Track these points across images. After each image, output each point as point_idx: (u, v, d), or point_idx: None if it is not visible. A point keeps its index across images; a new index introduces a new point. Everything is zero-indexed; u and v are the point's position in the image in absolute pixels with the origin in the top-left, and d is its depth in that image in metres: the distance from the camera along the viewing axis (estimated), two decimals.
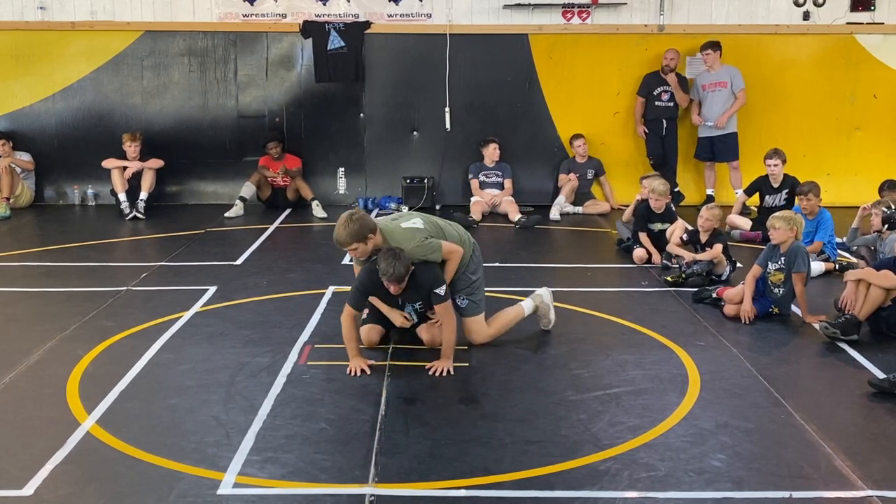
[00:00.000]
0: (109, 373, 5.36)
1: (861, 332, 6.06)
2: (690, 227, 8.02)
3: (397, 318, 5.79)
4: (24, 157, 10.85)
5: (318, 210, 10.58)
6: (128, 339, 6.02)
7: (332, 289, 7.26)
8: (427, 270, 5.55)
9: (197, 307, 6.74)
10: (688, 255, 7.70)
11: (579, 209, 10.81)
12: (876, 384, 5.20)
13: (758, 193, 9.61)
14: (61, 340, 5.98)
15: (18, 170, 10.75)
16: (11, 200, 10.58)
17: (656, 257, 8.19)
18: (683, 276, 7.51)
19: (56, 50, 11.00)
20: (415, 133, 11.34)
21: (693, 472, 4.20)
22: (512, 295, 7.19)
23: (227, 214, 10.43)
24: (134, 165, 10.54)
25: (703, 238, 7.72)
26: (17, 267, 8.09)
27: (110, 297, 6.99)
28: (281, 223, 10.19)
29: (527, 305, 6.15)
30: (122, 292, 7.16)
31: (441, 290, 5.48)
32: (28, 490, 3.95)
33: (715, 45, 10.75)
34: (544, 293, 6.24)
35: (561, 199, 10.76)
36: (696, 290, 7.21)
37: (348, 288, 7.32)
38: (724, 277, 7.56)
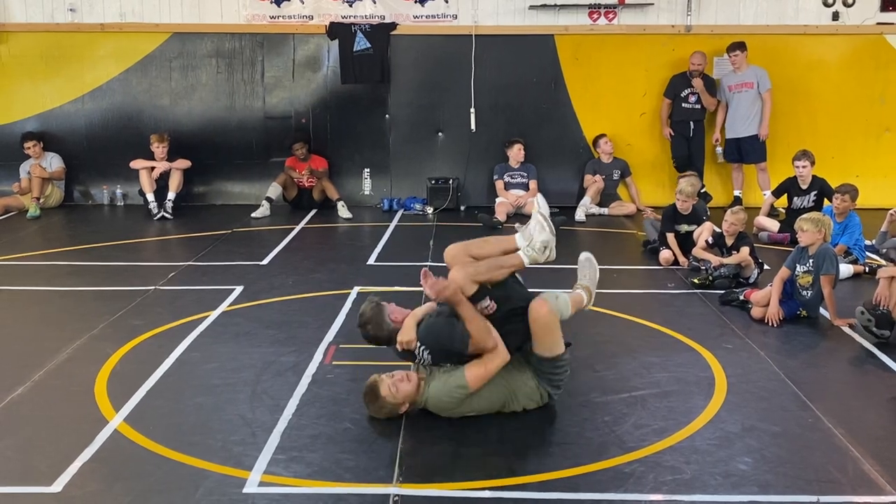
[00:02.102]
0: (137, 371, 5.41)
1: (893, 332, 5.97)
2: (718, 230, 7.96)
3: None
4: (56, 163, 10.97)
5: (343, 211, 10.62)
6: (155, 338, 6.07)
7: (356, 289, 7.28)
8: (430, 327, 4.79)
9: (223, 307, 6.79)
10: (714, 259, 7.64)
11: (605, 210, 10.77)
12: None
13: (786, 195, 9.53)
14: (90, 339, 6.04)
15: (49, 170, 10.87)
16: (41, 200, 10.71)
17: (682, 260, 8.14)
18: (710, 278, 7.46)
19: (85, 52, 11.12)
20: (440, 134, 11.35)
21: (719, 476, 4.17)
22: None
23: (253, 215, 10.49)
24: (162, 166, 10.63)
25: (729, 242, 7.66)
26: (47, 266, 8.18)
27: (138, 297, 7.05)
28: (307, 224, 10.23)
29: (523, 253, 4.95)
30: (150, 292, 7.23)
31: (460, 346, 4.66)
32: (56, 487, 4.00)
33: (742, 46, 10.67)
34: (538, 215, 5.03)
35: (586, 200, 10.73)
36: (723, 292, 7.16)
37: (375, 288, 7.39)
38: (751, 280, 7.50)
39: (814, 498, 3.95)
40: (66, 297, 7.21)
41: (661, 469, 4.23)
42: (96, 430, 4.56)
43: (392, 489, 3.99)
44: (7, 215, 10.59)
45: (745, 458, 4.36)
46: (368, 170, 11.39)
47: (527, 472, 4.17)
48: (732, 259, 7.54)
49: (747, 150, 10.82)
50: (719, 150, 10.98)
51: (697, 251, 7.88)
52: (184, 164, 10.74)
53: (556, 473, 4.18)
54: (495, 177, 10.91)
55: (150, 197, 10.52)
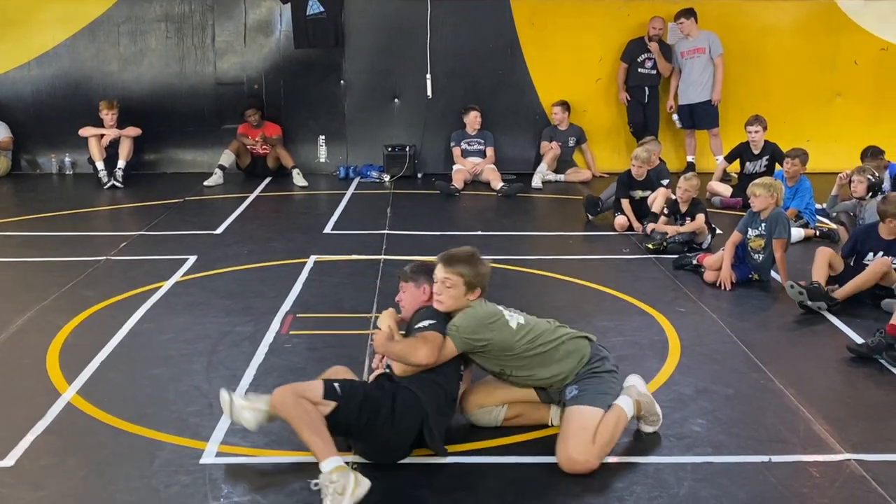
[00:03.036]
0: (90, 343, 5.33)
1: (832, 303, 6.06)
2: (673, 196, 8.03)
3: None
4: (1, 132, 10.70)
5: (298, 178, 10.52)
6: (108, 309, 5.98)
7: (313, 258, 7.24)
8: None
9: (177, 277, 6.70)
10: (671, 230, 7.70)
11: (561, 177, 10.80)
12: (854, 349, 5.25)
13: (738, 160, 9.65)
14: (40, 311, 5.93)
15: None
16: None
17: (637, 225, 8.21)
18: (664, 244, 7.54)
19: (31, 16, 10.80)
20: (396, 100, 11.26)
21: (673, 437, 4.24)
22: (494, 263, 7.19)
23: (206, 183, 10.35)
24: (111, 133, 10.42)
25: (683, 208, 7.73)
26: None
27: (89, 267, 6.93)
28: (261, 192, 10.12)
29: (624, 403, 4.16)
30: (102, 262, 7.11)
31: (421, 325, 4.08)
32: (9, 461, 3.94)
33: (688, 13, 10.71)
34: (636, 381, 4.36)
35: (543, 167, 10.74)
36: (676, 257, 7.24)
37: (330, 257, 7.35)
38: (704, 246, 7.59)
39: (766, 458, 4.03)
40: (15, 268, 7.06)
41: None
42: (49, 403, 4.49)
43: (351, 457, 3.99)
44: None
45: (699, 419, 4.44)
46: (323, 137, 11.27)
47: (484, 438, 4.19)
48: (687, 227, 7.62)
49: (700, 116, 10.91)
50: (675, 116, 11.05)
51: (659, 226, 7.84)
52: (134, 131, 10.53)
53: (512, 438, 4.21)
54: (452, 144, 10.88)
55: (100, 165, 10.31)
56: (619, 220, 8.32)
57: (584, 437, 3.88)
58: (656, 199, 8.33)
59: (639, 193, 8.45)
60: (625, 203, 8.39)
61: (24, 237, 7.98)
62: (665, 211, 7.92)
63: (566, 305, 6.23)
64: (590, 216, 8.65)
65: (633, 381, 4.33)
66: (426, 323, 4.06)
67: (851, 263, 6.37)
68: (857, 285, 6.06)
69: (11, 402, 4.57)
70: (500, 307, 4.23)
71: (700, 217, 7.59)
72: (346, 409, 3.75)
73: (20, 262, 7.20)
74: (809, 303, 5.96)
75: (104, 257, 7.23)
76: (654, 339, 5.56)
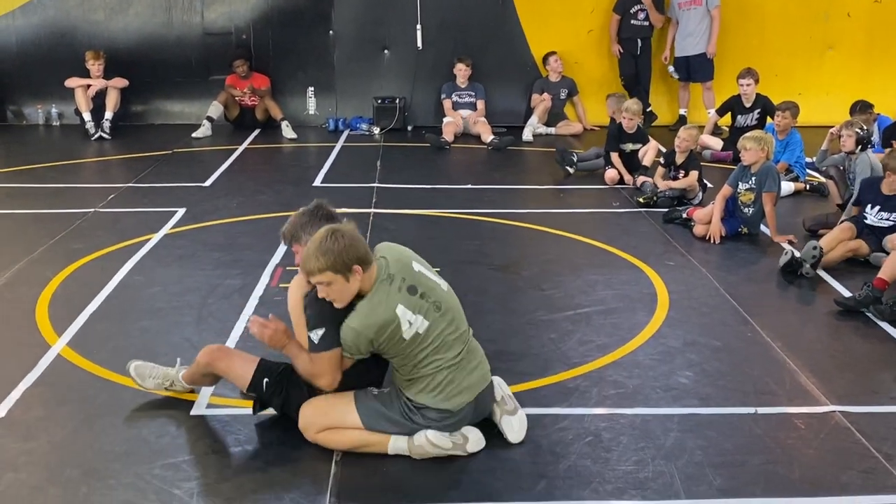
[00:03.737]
0: (79, 295, 5.32)
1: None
2: (664, 149, 8.00)
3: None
4: None
5: (287, 131, 10.43)
6: (97, 262, 5.96)
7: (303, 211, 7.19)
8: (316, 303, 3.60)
9: (166, 229, 6.67)
10: (662, 184, 7.67)
11: (552, 130, 10.74)
12: (842, 303, 5.29)
13: (730, 113, 9.60)
14: (29, 263, 5.91)
15: None
16: None
17: (627, 178, 8.19)
18: (655, 198, 7.53)
19: None
20: (386, 52, 11.13)
21: (660, 389, 4.28)
22: (484, 217, 7.20)
23: (194, 135, 10.25)
24: (98, 84, 10.28)
25: (680, 159, 7.69)
26: None
27: (77, 219, 6.89)
28: (250, 144, 10.04)
29: (395, 443, 3.68)
30: (90, 214, 7.07)
31: (315, 336, 3.58)
32: (0, 412, 3.95)
33: None
34: (426, 440, 3.65)
35: (534, 119, 10.68)
36: (666, 210, 7.24)
37: None
38: (695, 202, 7.58)
39: (752, 409, 4.08)
40: (3, 221, 7.01)
41: (604, 383, 4.33)
42: (39, 355, 4.49)
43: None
44: None
45: (686, 371, 4.47)
46: (313, 88, 11.15)
47: None
48: (679, 184, 7.59)
49: (695, 68, 10.82)
50: (671, 68, 10.95)
51: (658, 181, 7.78)
52: (121, 82, 10.40)
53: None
54: (443, 96, 10.79)
55: (87, 116, 10.20)
56: (610, 173, 8.29)
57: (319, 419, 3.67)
58: (647, 153, 8.31)
59: (629, 146, 8.41)
60: (614, 156, 8.36)
61: (10, 189, 7.91)
62: (661, 161, 7.89)
63: (556, 259, 6.24)
64: (569, 169, 8.59)
65: (423, 438, 3.63)
66: (316, 337, 3.54)
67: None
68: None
69: (1, 354, 4.57)
70: (409, 301, 3.56)
71: (693, 174, 7.57)
72: (264, 401, 3.88)
73: (6, 213, 7.15)
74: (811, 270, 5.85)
75: (92, 209, 7.18)
76: (643, 292, 5.58)
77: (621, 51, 10.97)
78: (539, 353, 4.70)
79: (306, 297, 3.67)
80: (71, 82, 10.30)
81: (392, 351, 3.59)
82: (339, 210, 7.02)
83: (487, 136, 10.14)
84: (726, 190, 6.71)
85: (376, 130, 10.68)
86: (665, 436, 3.85)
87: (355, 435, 3.66)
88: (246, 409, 3.98)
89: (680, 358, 4.63)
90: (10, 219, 7.04)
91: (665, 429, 3.91)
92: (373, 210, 7.29)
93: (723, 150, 9.33)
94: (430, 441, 3.62)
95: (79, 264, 5.87)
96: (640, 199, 7.58)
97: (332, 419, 3.66)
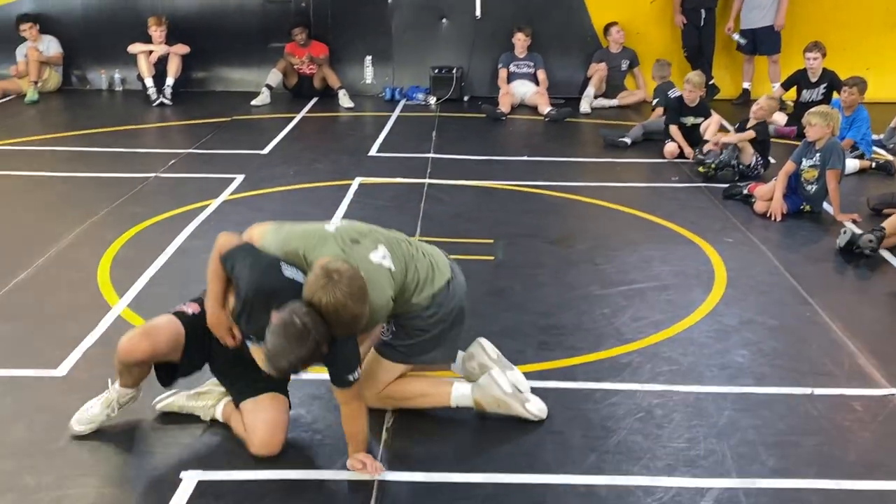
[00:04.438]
0: (139, 258, 5.42)
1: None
2: (727, 123, 7.83)
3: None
4: (53, 47, 10.73)
5: (344, 99, 10.45)
6: (157, 226, 6.07)
7: (358, 180, 7.24)
8: (345, 347, 3.30)
9: (225, 195, 6.76)
10: (712, 138, 7.54)
11: (615, 102, 10.52)
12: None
13: (795, 88, 9.37)
14: (91, 225, 6.04)
15: (46, 54, 10.66)
16: (39, 85, 10.54)
17: (688, 151, 8.04)
18: (713, 167, 7.37)
19: None
20: (444, 20, 11.06)
21: (715, 367, 4.22)
22: (540, 189, 7.15)
23: (253, 102, 10.33)
24: (160, 50, 10.41)
25: (749, 126, 7.52)
26: (47, 151, 8.12)
27: (139, 184, 7.02)
28: (307, 112, 10.09)
29: (457, 394, 3.73)
30: (151, 179, 7.19)
31: (354, 376, 3.32)
32: (62, 371, 4.06)
33: None
34: (502, 383, 3.72)
35: (590, 90, 10.52)
36: (726, 186, 7.11)
37: (376, 180, 7.35)
38: (752, 168, 7.39)
39: (808, 390, 4.01)
40: (67, 184, 7.17)
41: (657, 360, 4.29)
42: (100, 316, 4.60)
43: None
44: (5, 99, 10.44)
45: (742, 350, 4.41)
46: (370, 57, 11.14)
47: (525, 362, 4.21)
48: (733, 137, 7.42)
49: (762, 41, 10.54)
50: (736, 36, 10.65)
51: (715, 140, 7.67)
52: (182, 49, 10.51)
53: (553, 363, 4.24)
54: (499, 65, 10.68)
55: (149, 82, 10.34)
56: (669, 147, 8.16)
57: (373, 381, 3.65)
58: (709, 127, 8.14)
59: (690, 120, 8.25)
60: (674, 129, 8.21)
61: (74, 153, 8.08)
62: (736, 129, 7.72)
63: (611, 233, 6.18)
64: (625, 140, 8.49)
65: (499, 380, 3.71)
66: (355, 376, 3.31)
67: None
68: None
69: (63, 314, 4.69)
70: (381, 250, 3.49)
71: (748, 133, 7.39)
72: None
73: (70, 177, 7.31)
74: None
75: (153, 174, 7.30)
76: (700, 269, 5.50)
77: (685, 21, 10.73)
78: (591, 327, 4.68)
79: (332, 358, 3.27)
80: (133, 48, 10.44)
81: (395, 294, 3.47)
82: (394, 180, 7.04)
83: (545, 108, 10.04)
84: (789, 166, 6.56)
85: (432, 100, 10.65)
86: (718, 414, 3.80)
87: (415, 384, 3.70)
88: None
89: (736, 336, 4.57)
90: (73, 182, 7.20)
91: (718, 407, 3.86)
92: (427, 181, 7.29)
93: (787, 125, 9.11)
94: (494, 380, 3.66)
95: (139, 228, 5.98)
96: (700, 169, 7.44)
97: (380, 379, 3.67)
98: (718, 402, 3.91)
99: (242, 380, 3.50)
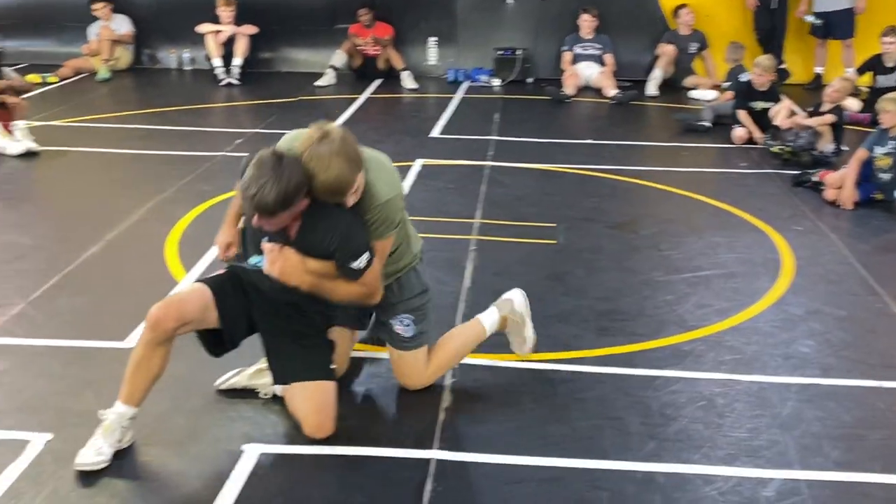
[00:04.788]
0: (206, 235, 5.48)
1: None
2: (798, 108, 7.64)
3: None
4: (125, 26, 10.96)
5: (408, 81, 10.47)
6: (223, 203, 6.14)
7: (420, 162, 7.25)
8: (349, 220, 3.28)
9: None
10: (785, 123, 7.36)
11: (711, 94, 9.95)
12: None
13: (870, 73, 9.09)
14: (160, 202, 6.18)
15: (118, 33, 10.89)
16: (111, 63, 10.78)
17: (758, 136, 7.87)
18: (789, 149, 7.20)
19: None
20: (509, 2, 10.98)
21: (780, 357, 4.15)
22: (604, 173, 7.08)
23: (318, 83, 10.42)
24: (228, 30, 10.56)
25: (825, 108, 7.33)
26: (118, 129, 8.31)
27: (206, 162, 7.14)
28: (371, 93, 10.13)
29: (488, 319, 3.89)
30: (218, 157, 7.31)
31: (359, 263, 3.29)
32: (129, 342, 4.14)
33: None
34: (516, 297, 3.94)
35: (657, 72, 10.36)
36: (796, 172, 6.94)
37: (438, 161, 7.36)
38: (827, 154, 7.21)
39: (875, 382, 3.91)
40: (137, 161, 7.34)
41: (720, 348, 4.22)
42: (166, 290, 4.69)
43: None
44: (77, 77, 10.70)
45: (808, 340, 4.32)
46: (435, 38, 11.14)
47: (583, 347, 4.20)
48: (813, 121, 7.24)
49: (836, 25, 10.23)
50: (810, 17, 10.34)
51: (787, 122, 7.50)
52: (250, 29, 10.64)
53: (613, 349, 4.20)
54: (564, 48, 10.57)
55: (217, 62, 10.50)
56: (738, 132, 8.00)
57: (418, 371, 3.72)
58: (780, 112, 7.95)
59: (759, 105, 8.07)
60: (742, 114, 8.04)
61: (144, 130, 8.25)
62: (810, 112, 7.55)
63: (677, 219, 6.09)
64: (704, 124, 8.33)
65: (514, 295, 3.91)
66: (363, 262, 3.28)
67: None
68: None
69: (131, 286, 4.81)
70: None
71: (829, 116, 7.20)
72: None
73: (141, 154, 7.48)
74: None
75: (220, 153, 7.42)
76: (767, 257, 5.39)
77: (757, 3, 10.48)
78: (653, 314, 4.62)
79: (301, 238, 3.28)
80: (202, 28, 10.60)
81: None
82: (455, 162, 7.03)
83: (610, 91, 9.92)
84: (862, 153, 6.38)
85: (496, 82, 10.61)
86: (782, 405, 3.74)
87: (450, 344, 3.78)
88: (360, 352, 4.06)
89: (802, 326, 4.47)
90: (143, 159, 7.36)
91: (782, 398, 3.79)
92: (489, 163, 7.27)
93: (861, 111, 8.86)
94: (514, 297, 3.88)
95: (206, 205, 6.09)
96: (774, 150, 7.28)
97: (423, 368, 3.71)
98: (782, 392, 3.84)
99: (287, 360, 3.47)
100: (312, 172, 3.15)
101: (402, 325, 3.66)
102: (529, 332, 3.91)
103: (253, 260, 3.43)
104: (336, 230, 3.25)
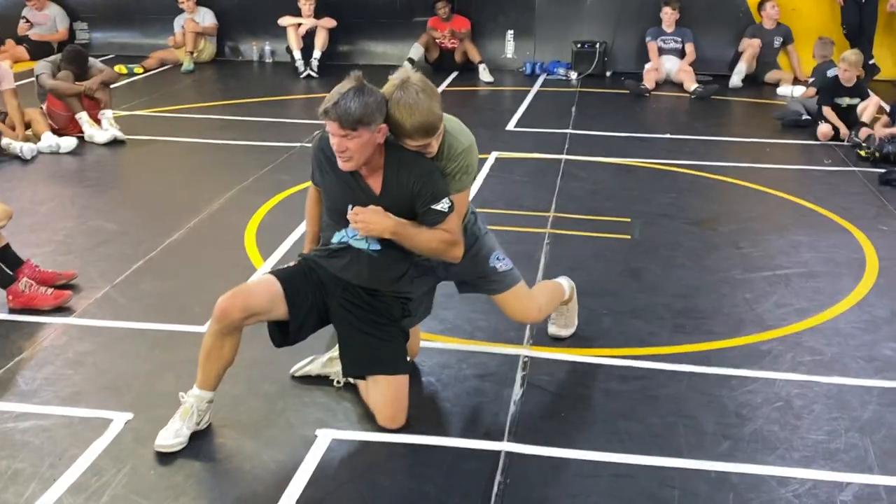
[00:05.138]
0: (284, 223, 5.62)
1: None
2: (887, 105, 7.39)
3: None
4: (209, 18, 11.21)
5: (485, 74, 10.46)
6: (301, 193, 6.23)
7: (495, 154, 7.25)
8: (422, 165, 3.35)
9: None
10: (880, 132, 7.11)
11: (796, 89, 9.66)
12: None
13: None
14: (240, 191, 6.31)
15: (202, 25, 11.15)
16: (195, 55, 11.04)
17: (844, 132, 7.64)
18: (877, 152, 6.98)
19: None
20: None
21: (862, 360, 4.03)
22: (682, 168, 6.97)
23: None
24: (308, 23, 10.70)
25: None
26: (201, 119, 8.51)
27: (285, 153, 7.26)
28: (448, 86, 10.15)
29: (564, 281, 4.16)
30: (297, 148, 7.42)
31: (443, 205, 3.34)
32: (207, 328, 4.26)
33: None
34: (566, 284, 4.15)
35: (741, 66, 10.13)
36: (884, 171, 6.72)
37: (513, 154, 7.34)
38: None
39: None
40: (219, 150, 7.50)
41: (800, 349, 4.12)
42: (246, 276, 4.80)
43: (523, 350, 4.06)
44: (163, 68, 10.99)
45: (892, 343, 4.19)
46: (512, 31, 11.10)
47: (659, 344, 4.15)
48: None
49: None
50: None
51: (878, 130, 7.25)
52: (329, 22, 10.77)
53: (688, 346, 4.14)
54: (648, 39, 10.41)
55: (297, 55, 10.65)
56: (823, 128, 7.78)
57: (533, 301, 3.89)
58: (867, 109, 7.71)
59: (846, 101, 7.83)
60: (828, 111, 7.82)
61: (227, 121, 8.44)
62: (888, 111, 7.29)
63: (758, 216, 5.96)
64: (803, 118, 8.11)
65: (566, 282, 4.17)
66: (446, 205, 3.33)
67: None
68: None
69: (212, 274, 4.93)
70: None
71: None
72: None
73: (223, 144, 7.64)
74: None
75: (299, 144, 7.54)
76: (851, 256, 5.24)
77: None
78: (731, 312, 4.54)
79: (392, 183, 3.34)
80: (284, 21, 10.77)
81: None
82: (530, 155, 7.01)
83: (691, 85, 9.75)
84: None
85: (574, 75, 10.52)
86: (862, 408, 3.63)
87: (544, 285, 4.08)
88: (431, 342, 4.09)
89: (886, 328, 4.33)
90: (225, 149, 7.53)
91: (863, 401, 3.68)
92: (564, 156, 7.22)
93: None
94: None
95: (285, 195, 6.20)
96: (862, 153, 7.06)
97: (529, 301, 3.85)
98: (863, 395, 3.73)
99: (361, 353, 3.47)
100: (403, 113, 3.23)
101: (500, 262, 3.72)
102: (576, 319, 4.20)
103: (336, 237, 3.44)
104: (417, 173, 3.31)
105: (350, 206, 3.35)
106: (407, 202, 3.34)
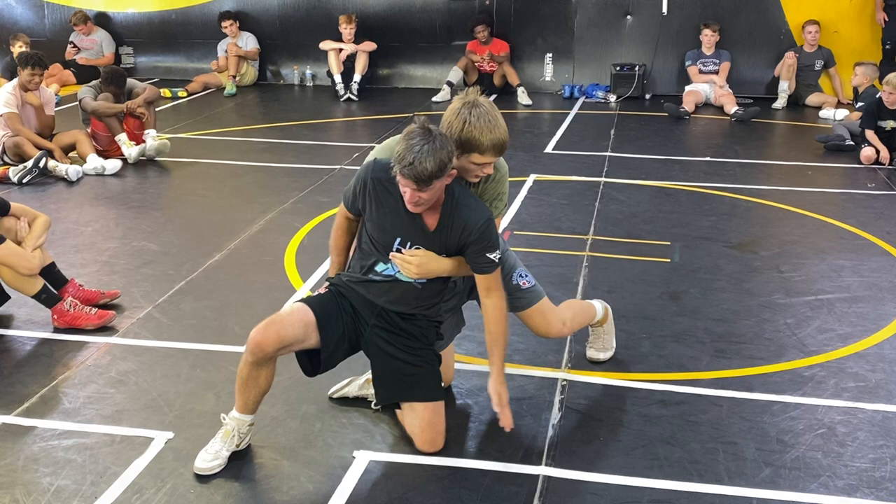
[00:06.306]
0: (323, 245, 5.60)
1: None
2: None
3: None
4: (251, 43, 11.39)
5: (523, 97, 10.49)
6: None
7: (533, 177, 7.25)
8: (480, 211, 3.33)
9: None
10: None
11: (842, 113, 9.53)
12: None
13: None
14: (281, 212, 6.37)
15: (244, 49, 11.32)
16: (237, 78, 11.21)
17: (885, 155, 7.54)
18: None
19: None
20: (628, 17, 10.88)
21: None
22: (722, 191, 6.92)
23: (434, 99, 10.56)
24: (349, 48, 10.83)
25: None
26: (243, 142, 8.63)
27: (325, 175, 7.33)
28: None
29: (596, 303, 4.16)
30: (336, 171, 7.49)
31: (495, 255, 3.33)
32: None
33: None
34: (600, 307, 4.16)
35: (784, 84, 10.04)
36: None
37: (551, 177, 7.34)
38: None
39: None
40: (260, 172, 7.60)
41: (843, 375, 4.06)
42: (285, 297, 4.85)
43: (561, 374, 4.04)
44: (206, 92, 11.18)
45: None
46: (551, 55, 11.13)
47: (699, 369, 4.10)
48: None
49: None
50: None
51: None
52: (370, 46, 10.88)
53: (729, 372, 4.09)
54: (688, 62, 10.38)
55: (338, 78, 10.78)
56: (866, 151, 7.68)
57: (557, 316, 3.87)
58: None
59: (890, 124, 7.74)
60: (870, 133, 7.73)
61: (268, 144, 8.54)
62: None
63: (799, 240, 5.89)
64: (847, 143, 8.02)
65: (602, 305, 4.17)
66: (497, 257, 3.35)
67: None
68: None
69: (253, 294, 4.98)
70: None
71: None
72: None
73: (264, 166, 7.74)
74: None
75: (338, 166, 7.61)
76: (895, 282, 5.15)
77: (886, 19, 10.06)
78: (772, 337, 4.48)
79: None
80: (325, 45, 10.91)
81: None
82: (568, 178, 7.01)
83: (731, 107, 9.69)
84: None
85: (613, 98, 10.51)
86: None
87: (571, 303, 4.07)
88: (469, 364, 4.09)
89: None
90: (266, 171, 7.62)
91: None
92: (603, 179, 7.20)
93: None
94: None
95: (324, 216, 6.25)
96: None
97: (552, 316, 3.82)
98: None
99: (396, 381, 3.46)
100: (482, 129, 3.25)
101: (523, 279, 3.74)
102: (613, 341, 4.19)
103: (380, 267, 3.40)
104: (475, 219, 3.28)
105: (398, 239, 3.34)
106: (458, 241, 3.32)
